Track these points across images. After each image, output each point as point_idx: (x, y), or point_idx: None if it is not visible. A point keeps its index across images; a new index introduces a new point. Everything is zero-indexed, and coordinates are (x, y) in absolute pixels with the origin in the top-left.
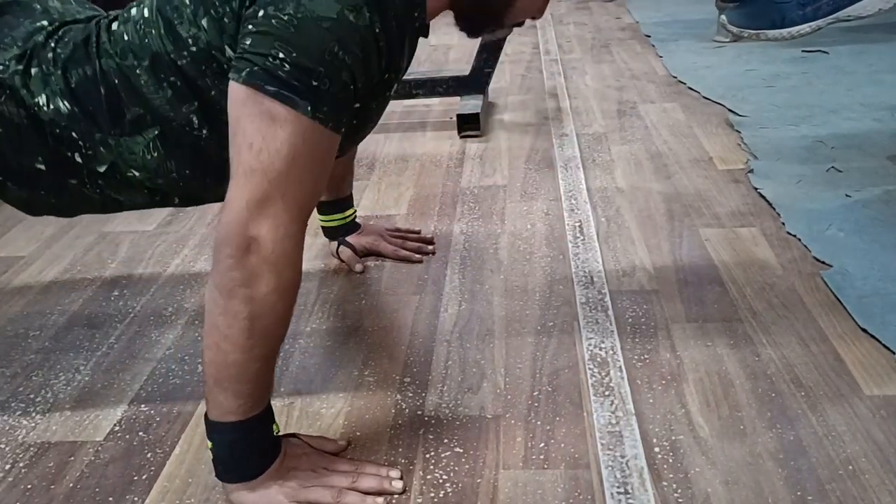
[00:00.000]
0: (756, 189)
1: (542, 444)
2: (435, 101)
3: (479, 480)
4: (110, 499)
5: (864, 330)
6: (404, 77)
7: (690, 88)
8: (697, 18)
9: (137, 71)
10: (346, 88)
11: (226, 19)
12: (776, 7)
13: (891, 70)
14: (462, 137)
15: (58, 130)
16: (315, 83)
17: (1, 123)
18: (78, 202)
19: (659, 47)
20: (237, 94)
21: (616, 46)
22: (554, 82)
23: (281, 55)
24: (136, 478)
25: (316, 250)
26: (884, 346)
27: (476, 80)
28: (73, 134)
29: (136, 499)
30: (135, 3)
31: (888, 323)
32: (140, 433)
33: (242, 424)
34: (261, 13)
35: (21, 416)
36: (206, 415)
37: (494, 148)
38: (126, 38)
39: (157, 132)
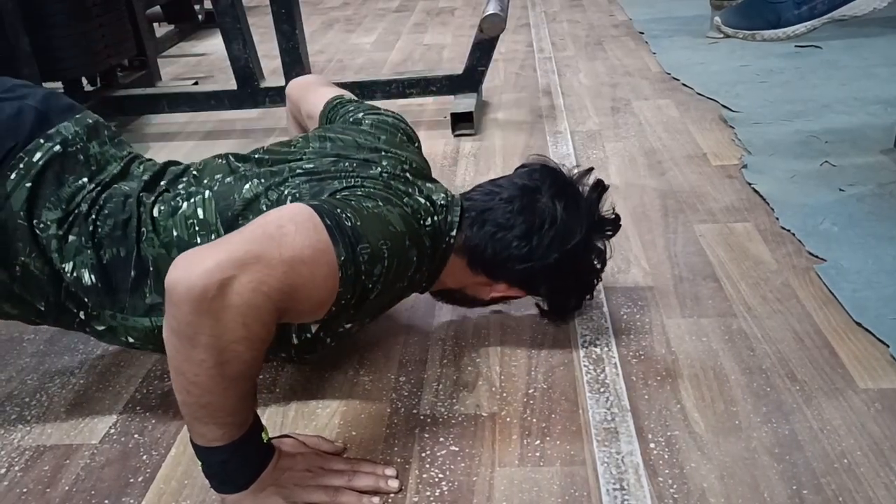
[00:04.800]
0: (750, 184)
1: (538, 442)
2: (429, 100)
3: (474, 478)
4: (106, 501)
5: (858, 323)
6: (398, 77)
7: (684, 85)
8: (691, 15)
9: None
10: (370, 278)
11: None
12: (771, 7)
13: (884, 64)
14: (456, 136)
15: (73, 290)
16: (359, 249)
17: (22, 271)
18: (55, 326)
19: (652, 44)
20: (296, 204)
21: (609, 43)
22: (548, 80)
23: (349, 214)
24: (131, 480)
25: None
26: (878, 339)
27: (470, 79)
28: (86, 300)
29: (132, 501)
30: (182, 193)
31: (882, 316)
32: (135, 435)
33: (229, 447)
34: (345, 194)
35: (16, 420)
36: (190, 440)
37: (489, 146)
38: (175, 233)
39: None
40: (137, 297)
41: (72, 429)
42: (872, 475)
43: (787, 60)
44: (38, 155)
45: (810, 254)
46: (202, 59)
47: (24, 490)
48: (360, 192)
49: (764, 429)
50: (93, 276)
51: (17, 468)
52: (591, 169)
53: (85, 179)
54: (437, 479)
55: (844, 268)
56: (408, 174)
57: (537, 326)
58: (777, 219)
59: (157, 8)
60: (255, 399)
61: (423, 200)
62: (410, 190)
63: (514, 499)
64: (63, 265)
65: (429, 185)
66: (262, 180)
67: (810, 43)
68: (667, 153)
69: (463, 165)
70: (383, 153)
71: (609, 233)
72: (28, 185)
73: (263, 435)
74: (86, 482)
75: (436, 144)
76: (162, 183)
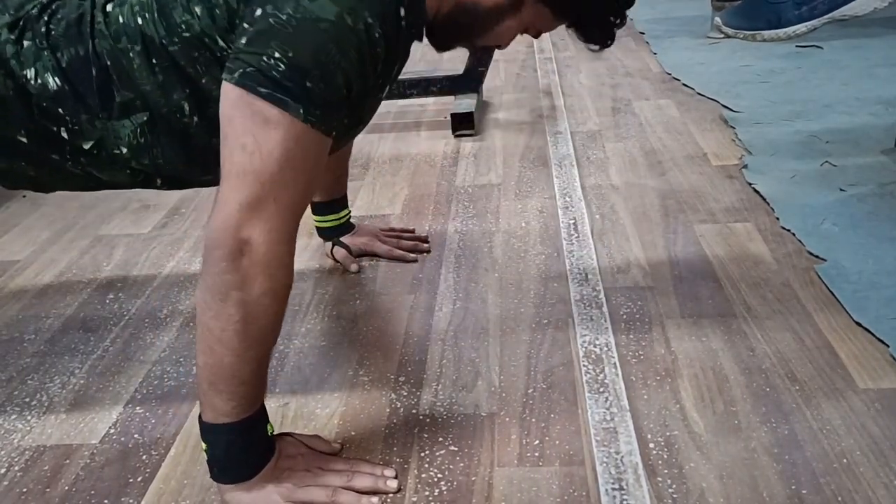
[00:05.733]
0: (750, 184)
1: (537, 442)
2: (429, 100)
3: (473, 478)
4: (106, 501)
5: (858, 324)
6: (398, 77)
7: (685, 85)
8: (692, 15)
9: (130, 54)
10: (340, 91)
11: (217, 10)
12: (772, 7)
13: (885, 64)
14: (456, 136)
15: (44, 104)
16: (309, 84)
17: None
18: (57, 177)
19: (653, 44)
20: (230, 94)
21: None
22: (548, 80)
23: (276, 55)
24: (131, 480)
25: (311, 251)
26: (878, 339)
27: (470, 79)
28: (60, 110)
29: (131, 501)
30: None
31: (882, 317)
32: (135, 435)
33: (237, 426)
34: (258, 12)
35: (16, 420)
36: (200, 417)
37: (489, 147)
38: (121, 20)
39: (146, 118)
40: (108, 97)
41: (72, 429)
42: (872, 475)
43: (788, 60)
44: None
45: (811, 254)
46: None
47: (24, 490)
48: None
49: (763, 429)
50: (57, 80)
51: (16, 468)
52: None
53: None
54: (435, 479)
55: (845, 268)
56: None
57: (537, 326)
58: (777, 219)
59: None
60: (266, 379)
61: None
62: None
63: (513, 499)
64: (24, 72)
65: None
66: None
67: (811, 43)
68: (667, 153)
69: (463, 166)
70: None
71: None
72: None
73: (269, 427)
74: (85, 482)
75: (436, 145)
76: None
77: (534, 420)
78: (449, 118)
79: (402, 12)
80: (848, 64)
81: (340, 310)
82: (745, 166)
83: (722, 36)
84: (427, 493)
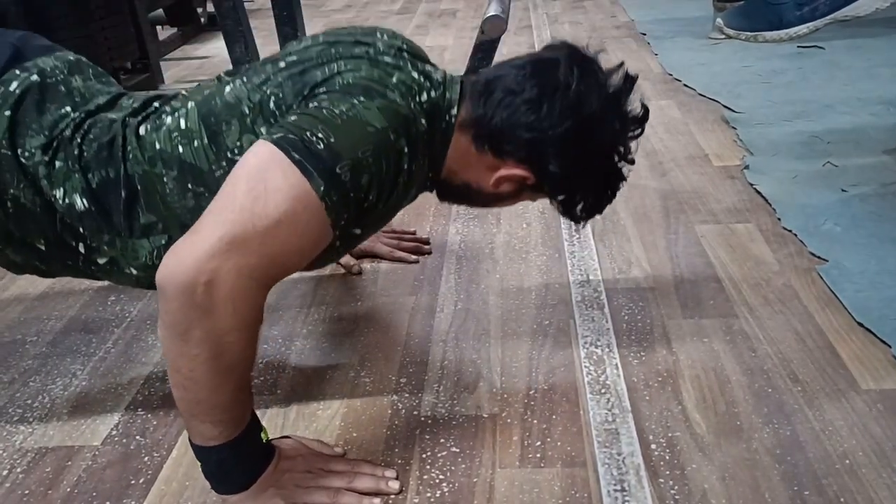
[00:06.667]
0: (752, 185)
1: (539, 443)
2: None
3: (475, 480)
4: (107, 503)
5: (860, 324)
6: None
7: (686, 86)
8: (693, 16)
9: (164, 179)
10: (361, 191)
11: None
12: (773, 8)
13: (887, 65)
14: None
15: (68, 221)
16: (338, 171)
17: (13, 205)
18: (66, 273)
19: (654, 45)
20: (260, 147)
21: (611, 45)
22: None
23: (319, 135)
24: (133, 482)
25: None
26: (880, 340)
27: None
28: (81, 229)
29: (133, 503)
30: (167, 110)
31: (884, 317)
32: (137, 437)
33: (227, 445)
34: (313, 104)
35: (18, 422)
36: (189, 440)
37: None
38: (158, 146)
39: (164, 240)
40: (132, 218)
41: (73, 430)
42: (874, 476)
43: (790, 61)
44: (14, 84)
45: (812, 254)
46: (204, 62)
47: (26, 492)
48: (337, 87)
49: (765, 430)
50: (84, 201)
51: (18, 470)
52: (622, 63)
53: (68, 108)
54: (437, 481)
55: (847, 268)
56: (403, 53)
57: (538, 327)
58: (779, 219)
59: (160, 11)
60: (250, 396)
61: (416, 75)
62: (402, 64)
63: (515, 500)
64: (54, 192)
65: (427, 65)
66: (245, 80)
67: (812, 43)
68: (668, 154)
69: None
70: (377, 35)
71: (634, 131)
72: (7, 113)
73: (262, 435)
74: (87, 484)
75: None
76: (150, 109)
77: (535, 421)
78: None
79: (426, 161)
80: (849, 64)
81: (341, 311)
82: (747, 167)
83: (723, 37)
84: (429, 494)
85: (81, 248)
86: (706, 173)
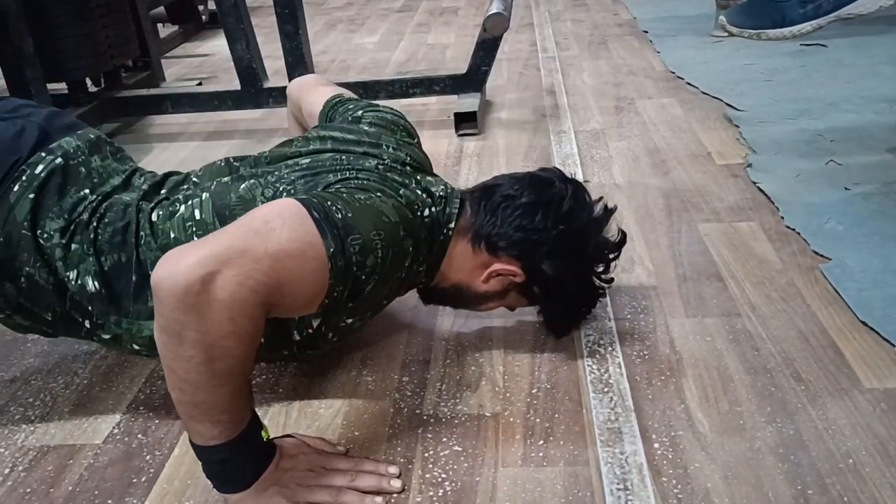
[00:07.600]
0: (755, 183)
1: (541, 442)
2: (432, 99)
3: (477, 478)
4: (109, 501)
5: (863, 323)
6: (402, 77)
7: (688, 84)
8: (695, 14)
9: None
10: (364, 269)
11: None
12: (776, 6)
13: (890, 62)
14: (460, 136)
15: (78, 300)
16: (350, 241)
17: (27, 281)
18: (70, 337)
19: (657, 43)
20: (283, 199)
21: (613, 42)
22: (551, 79)
23: (339, 207)
24: (135, 480)
25: None
26: (884, 338)
27: (473, 79)
28: (90, 307)
29: (135, 501)
30: (180, 199)
31: (888, 316)
32: (139, 436)
33: (228, 445)
34: (331, 190)
35: (20, 420)
36: (189, 440)
37: (492, 146)
38: (172, 234)
39: None
40: (141, 302)
41: (75, 429)
42: (878, 475)
43: (793, 59)
44: (40, 167)
45: (815, 253)
46: (206, 60)
47: (28, 490)
48: (353, 184)
49: (768, 429)
50: (96, 283)
51: (20, 468)
52: (601, 197)
53: (87, 191)
54: (440, 480)
55: (850, 267)
56: (407, 167)
57: (540, 326)
58: (782, 218)
59: (161, 9)
60: (250, 396)
61: (419, 192)
62: (407, 181)
63: (518, 499)
64: (67, 273)
65: (428, 178)
66: (259, 179)
67: (816, 41)
68: (671, 152)
69: (466, 165)
70: (383, 147)
71: (613, 252)
72: (31, 196)
73: (263, 433)
74: (89, 482)
75: (439, 144)
76: (162, 191)
77: (538, 420)
78: (452, 117)
79: (424, 267)
80: (852, 62)
81: None
82: (749, 165)
83: (726, 34)
84: (431, 493)
85: (87, 325)
86: (709, 171)
